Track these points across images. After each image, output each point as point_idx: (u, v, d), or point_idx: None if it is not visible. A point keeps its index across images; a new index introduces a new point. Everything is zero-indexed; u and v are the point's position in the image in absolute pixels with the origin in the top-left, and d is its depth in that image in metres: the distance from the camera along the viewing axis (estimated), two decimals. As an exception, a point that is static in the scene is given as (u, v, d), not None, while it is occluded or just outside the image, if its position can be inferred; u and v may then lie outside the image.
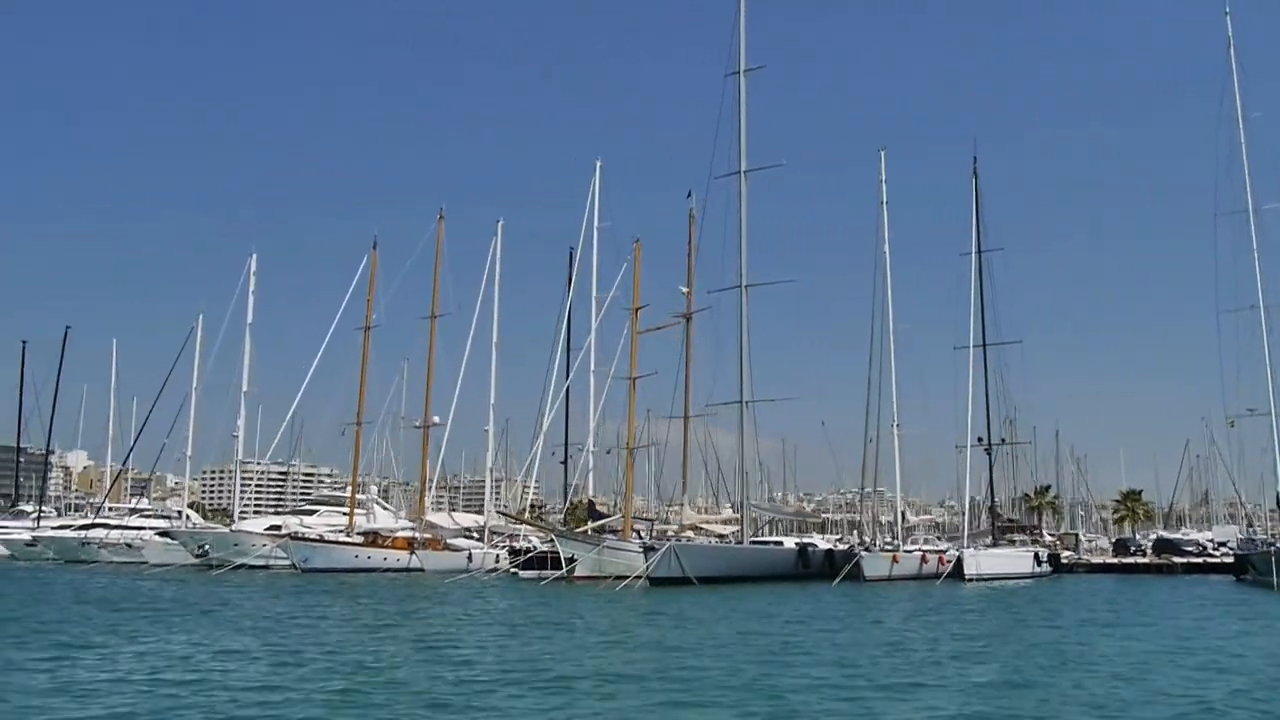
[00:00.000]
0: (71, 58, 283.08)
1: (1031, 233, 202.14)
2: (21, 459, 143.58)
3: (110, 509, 68.03)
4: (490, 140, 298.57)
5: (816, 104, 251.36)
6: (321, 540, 50.50)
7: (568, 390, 55.09)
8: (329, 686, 13.35)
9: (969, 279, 48.69)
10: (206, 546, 52.79)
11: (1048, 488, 58.19)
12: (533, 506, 70.31)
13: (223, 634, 20.14)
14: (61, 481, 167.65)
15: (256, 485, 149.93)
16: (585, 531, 45.07)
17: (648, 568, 37.82)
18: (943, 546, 48.88)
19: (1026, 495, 56.53)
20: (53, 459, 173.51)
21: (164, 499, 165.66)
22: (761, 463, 67.69)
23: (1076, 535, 60.49)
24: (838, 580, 40.20)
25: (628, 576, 43.29)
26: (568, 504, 60.39)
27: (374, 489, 61.25)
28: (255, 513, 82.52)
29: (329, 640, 19.06)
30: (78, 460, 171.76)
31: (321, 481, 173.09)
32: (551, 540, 49.12)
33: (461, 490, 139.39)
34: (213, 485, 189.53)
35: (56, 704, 12.10)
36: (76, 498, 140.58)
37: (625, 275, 48.97)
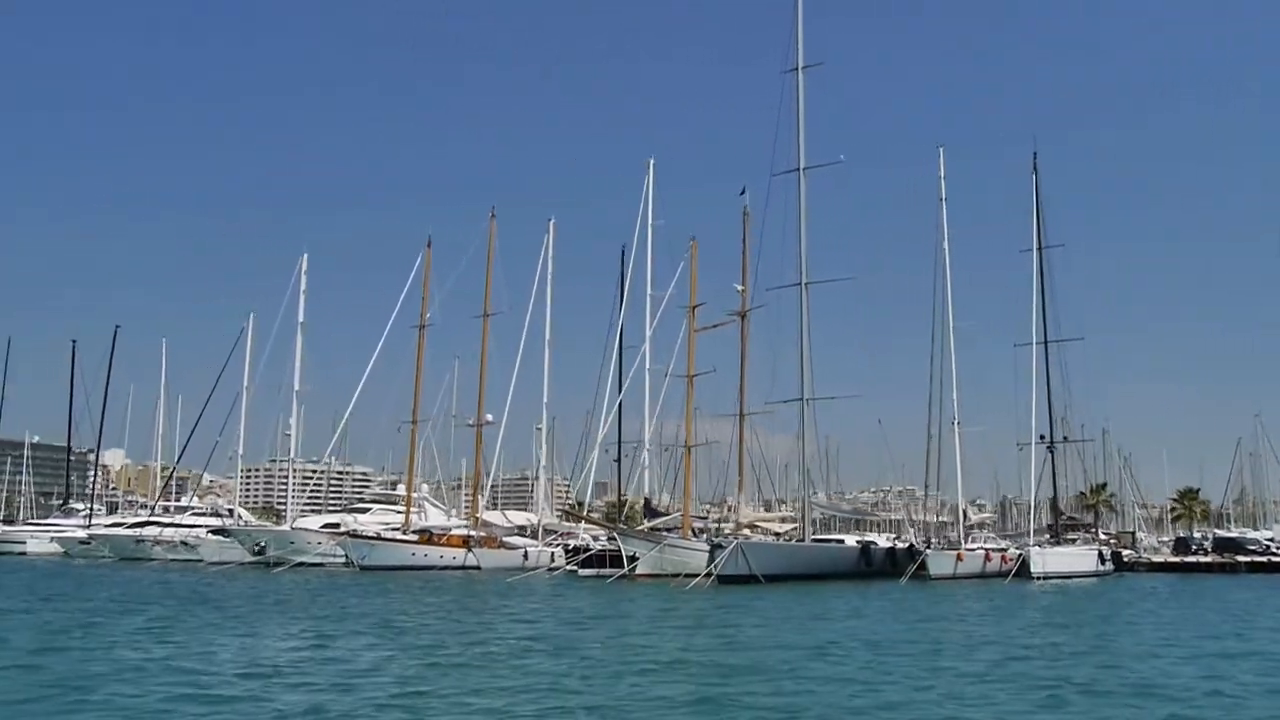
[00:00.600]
0: (104, 54, 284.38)
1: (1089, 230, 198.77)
2: (53, 456, 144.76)
3: (163, 508, 68.49)
4: (539, 138, 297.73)
5: (871, 100, 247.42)
6: (379, 538, 50.66)
7: (620, 389, 55.06)
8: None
9: (1026, 275, 48.23)
10: (264, 544, 53.09)
11: (1103, 486, 57.67)
12: (579, 504, 70.42)
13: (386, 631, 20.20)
14: (100, 480, 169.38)
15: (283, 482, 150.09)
16: (648, 529, 44.96)
17: (717, 565, 37.68)
18: (1003, 544, 48.53)
19: (1081, 494, 56.04)
20: (93, 457, 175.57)
21: (200, 497, 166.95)
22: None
23: (1133, 534, 60.03)
24: (906, 578, 40.00)
25: (687, 574, 43.37)
26: (622, 502, 60.44)
27: (425, 487, 61.40)
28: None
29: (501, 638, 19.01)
30: (115, 459, 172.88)
31: (357, 479, 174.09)
32: (609, 538, 49.24)
33: (499, 488, 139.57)
34: (248, 483, 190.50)
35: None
36: (115, 496, 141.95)
37: (680, 273, 48.99)
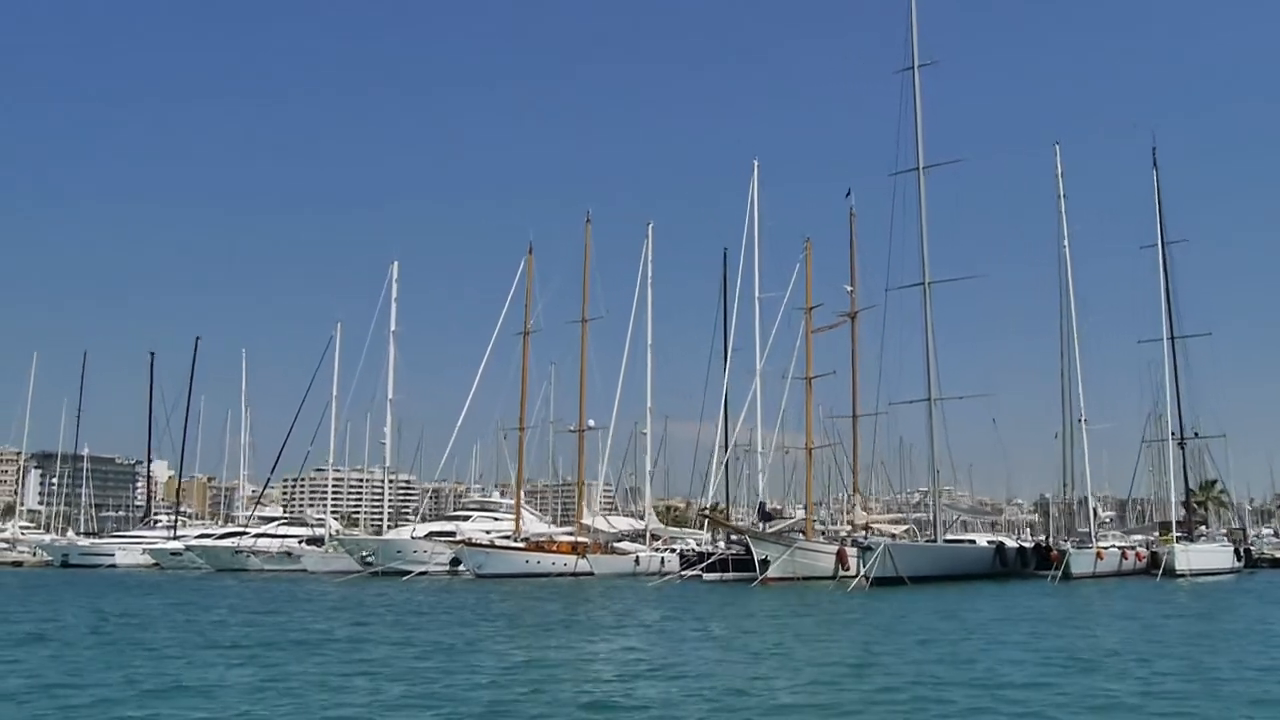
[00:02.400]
0: (176, 52, 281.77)
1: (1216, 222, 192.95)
2: (108, 469, 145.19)
3: (258, 518, 68.39)
4: (636, 138, 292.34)
5: (979, 95, 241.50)
6: (493, 546, 50.34)
7: (726, 392, 54.70)
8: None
9: (1146, 270, 47.66)
10: (372, 553, 52.83)
11: (1213, 482, 57.12)
12: (669, 509, 69.98)
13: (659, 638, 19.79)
14: (147, 492, 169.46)
15: (334, 491, 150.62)
16: (776, 533, 44.52)
17: (870, 568, 37.21)
18: (1132, 541, 47.97)
19: (1191, 491, 55.31)
20: (139, 470, 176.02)
21: (248, 507, 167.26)
22: (884, 461, 66.69)
23: (1244, 530, 59.42)
24: (1056, 578, 39.53)
25: (817, 577, 42.91)
26: (713, 505, 59.96)
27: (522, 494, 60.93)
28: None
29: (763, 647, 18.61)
30: (161, 471, 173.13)
31: (400, 487, 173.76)
32: (727, 543, 48.87)
33: (546, 494, 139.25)
34: (292, 493, 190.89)
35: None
36: (161, 508, 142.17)
37: (795, 275, 48.60)
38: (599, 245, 56.98)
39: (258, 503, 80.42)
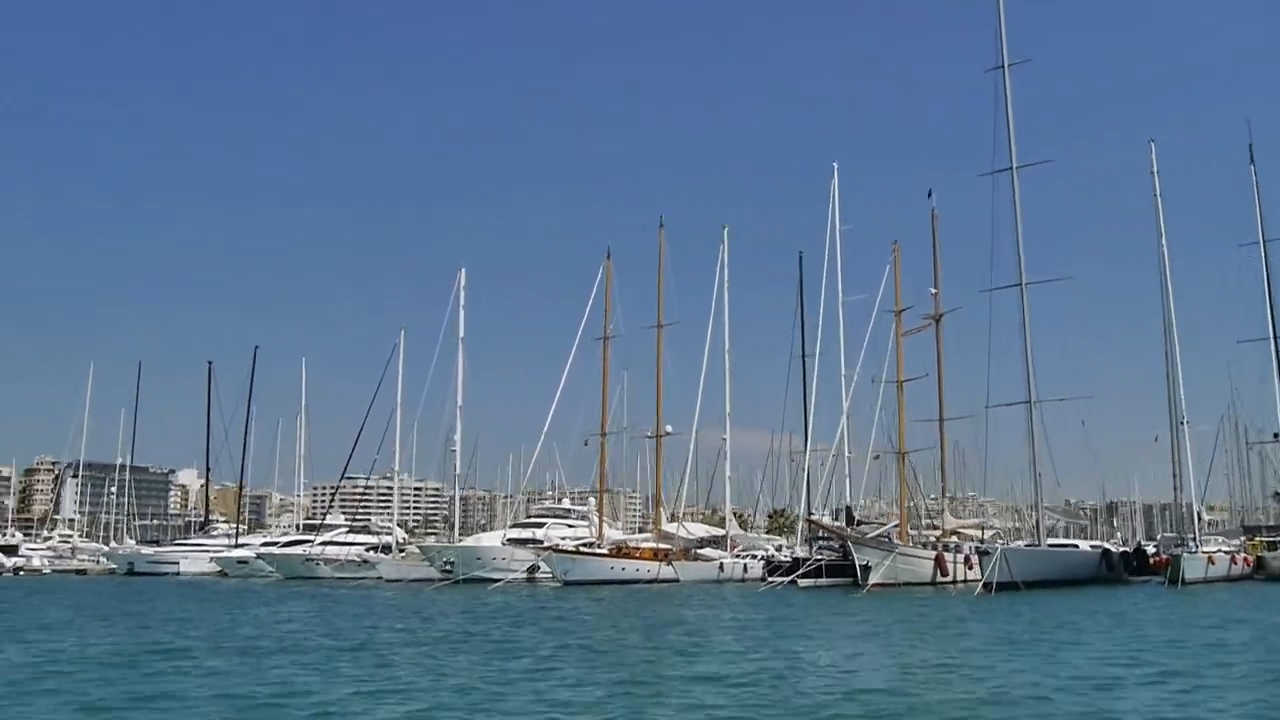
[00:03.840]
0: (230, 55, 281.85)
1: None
2: (141, 478, 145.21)
3: (325, 527, 67.95)
4: (711, 143, 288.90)
5: (1064, 91, 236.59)
6: (579, 552, 49.84)
7: (807, 396, 54.25)
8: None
9: (1243, 271, 47.04)
10: (453, 560, 52.32)
11: (1300, 484, 56.55)
12: (736, 515, 69.33)
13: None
14: (179, 500, 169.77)
15: (363, 500, 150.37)
16: (876, 539, 43.97)
17: (990, 573, 36.63)
18: (1233, 545, 47.33)
19: (1276, 493, 54.71)
20: (172, 479, 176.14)
21: (277, 515, 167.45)
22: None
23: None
24: (1178, 584, 38.91)
25: (917, 583, 42.37)
26: (780, 511, 59.45)
27: (592, 500, 60.55)
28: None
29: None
30: (190, 479, 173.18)
31: (430, 494, 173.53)
32: (818, 548, 48.35)
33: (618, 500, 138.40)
34: (323, 501, 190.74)
35: None
36: (191, 516, 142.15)
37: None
38: (674, 251, 56.38)
39: (311, 512, 79.71)
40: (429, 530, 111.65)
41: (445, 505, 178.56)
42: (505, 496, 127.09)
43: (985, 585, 35.87)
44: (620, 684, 13.88)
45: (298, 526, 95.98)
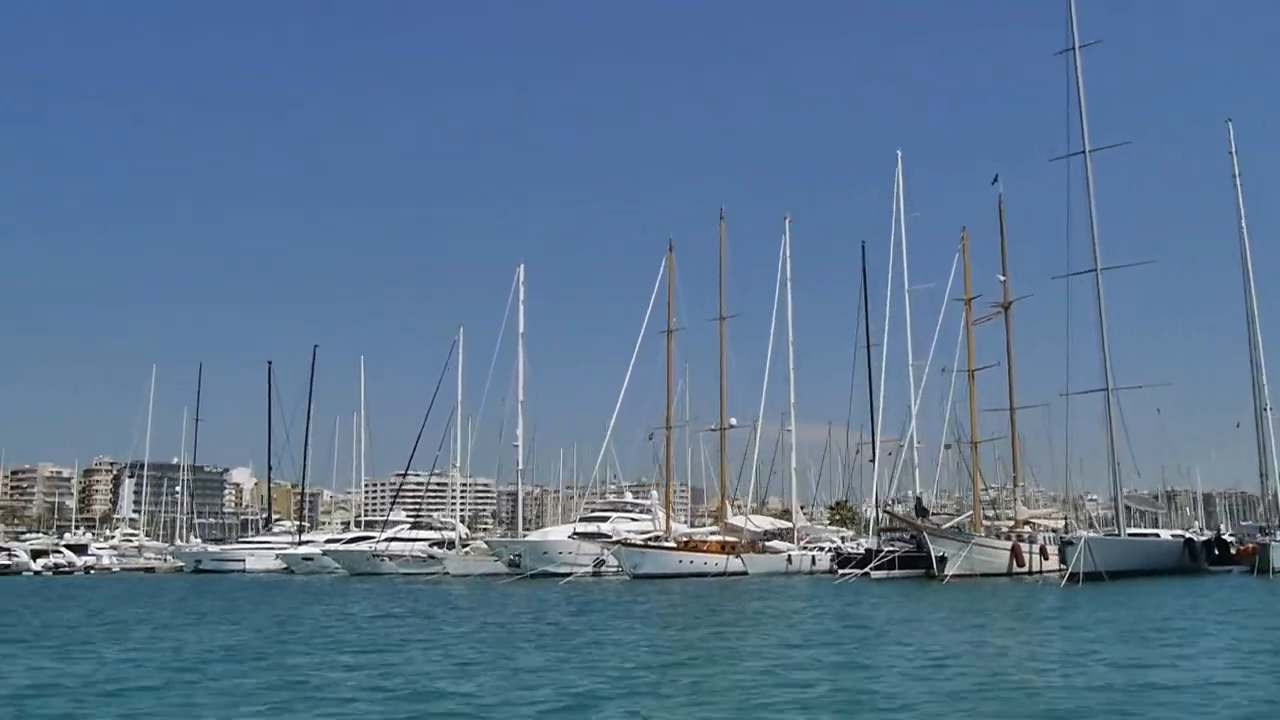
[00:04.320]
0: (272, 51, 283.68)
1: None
2: (196, 477, 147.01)
3: (388, 524, 68.42)
4: (771, 135, 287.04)
5: (1136, 77, 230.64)
6: (648, 546, 49.72)
7: (872, 387, 53.78)
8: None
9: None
10: (519, 555, 52.41)
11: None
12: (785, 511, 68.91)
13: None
14: (233, 498, 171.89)
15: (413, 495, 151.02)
16: (955, 530, 43.47)
17: (1075, 563, 36.01)
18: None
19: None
20: (226, 477, 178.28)
21: (329, 512, 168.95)
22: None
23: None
24: (1267, 573, 38.07)
25: (993, 574, 41.81)
26: (841, 503, 58.89)
27: (654, 494, 60.41)
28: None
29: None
30: (244, 477, 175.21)
31: (479, 489, 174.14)
32: (887, 539, 47.89)
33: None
34: (374, 498, 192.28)
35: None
36: (247, 514, 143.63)
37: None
38: (735, 243, 55.97)
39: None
40: (479, 526, 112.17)
41: (493, 501, 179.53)
42: (553, 491, 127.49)
43: (1072, 576, 35.20)
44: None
45: (353, 523, 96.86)
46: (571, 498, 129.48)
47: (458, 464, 65.08)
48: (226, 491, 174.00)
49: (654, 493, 60.28)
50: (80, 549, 74.23)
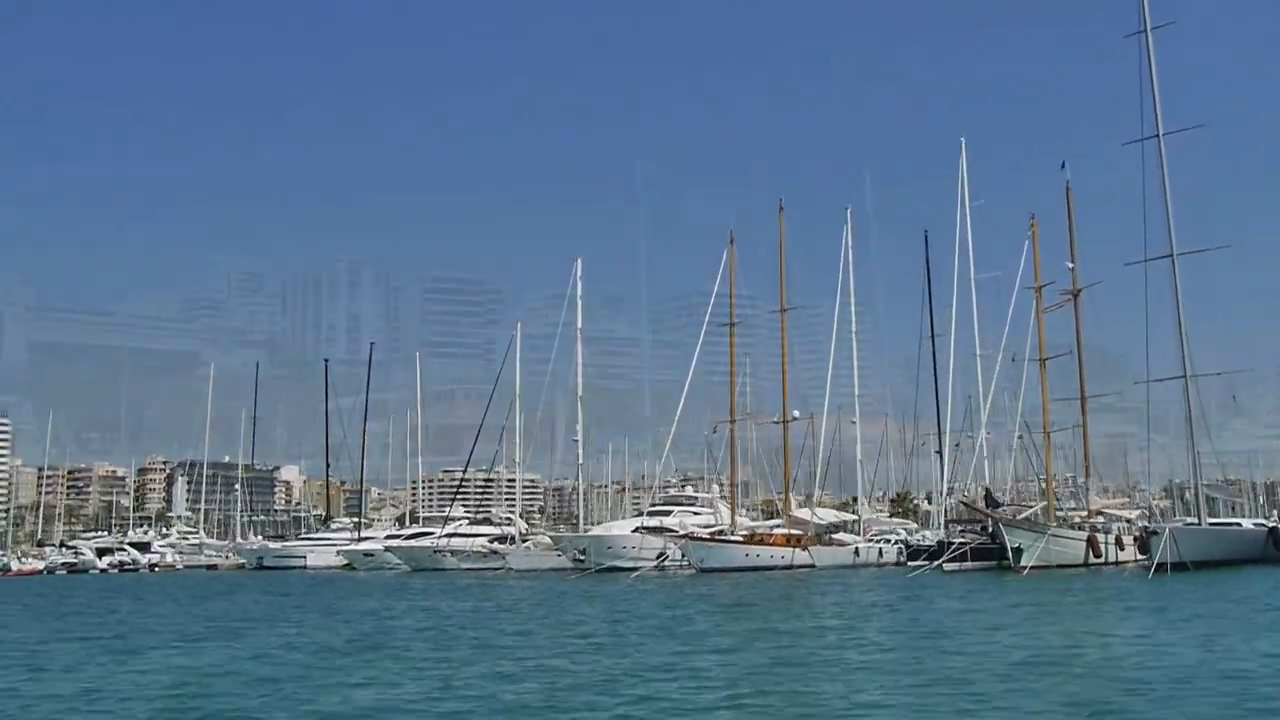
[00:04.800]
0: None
1: None
2: (245, 475, 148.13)
3: (448, 519, 68.75)
4: (835, 123, 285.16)
5: (1206, 60, 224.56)
6: (714, 540, 49.53)
7: (937, 376, 53.24)
8: None
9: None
10: (585, 550, 52.36)
11: None
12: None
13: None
14: (283, 496, 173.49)
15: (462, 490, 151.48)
16: (1031, 520, 42.88)
17: (1160, 553, 35.36)
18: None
19: None
20: (276, 475, 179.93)
21: (377, 509, 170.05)
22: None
23: None
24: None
25: (1069, 565, 41.17)
26: (903, 495, 58.35)
27: (716, 488, 60.17)
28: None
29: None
30: (293, 475, 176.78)
31: (507, 484, 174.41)
32: (962, 530, 47.37)
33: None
34: (423, 495, 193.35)
35: None
36: (298, 511, 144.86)
37: (1025, 253, 46.96)
38: (795, 234, 55.52)
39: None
40: (530, 522, 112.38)
41: (540, 497, 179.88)
42: (599, 486, 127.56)
43: (1159, 566, 34.54)
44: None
45: (407, 518, 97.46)
46: (621, 492, 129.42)
47: (519, 459, 65.16)
48: (277, 489, 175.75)
49: (715, 486, 60.01)
50: (143, 547, 75.24)
